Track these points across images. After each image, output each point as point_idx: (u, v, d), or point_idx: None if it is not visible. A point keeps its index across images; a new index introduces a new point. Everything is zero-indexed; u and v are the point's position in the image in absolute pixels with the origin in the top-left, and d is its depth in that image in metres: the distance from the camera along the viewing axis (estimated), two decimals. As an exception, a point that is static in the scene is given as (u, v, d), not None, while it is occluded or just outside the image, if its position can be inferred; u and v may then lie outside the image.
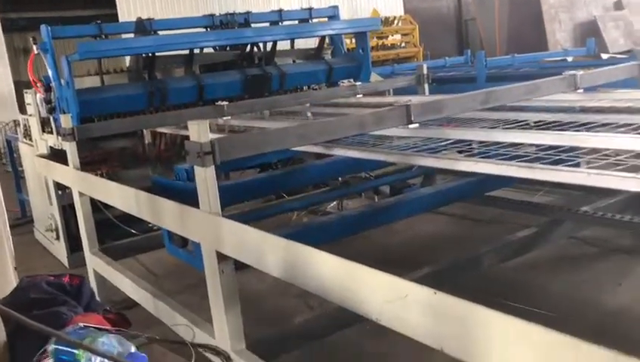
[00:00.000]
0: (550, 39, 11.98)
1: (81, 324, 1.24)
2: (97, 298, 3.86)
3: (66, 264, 4.88)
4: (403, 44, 11.40)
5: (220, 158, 2.13)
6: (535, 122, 2.93)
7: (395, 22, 11.59)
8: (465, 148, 2.60)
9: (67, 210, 4.70)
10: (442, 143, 2.74)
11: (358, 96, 4.91)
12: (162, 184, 3.52)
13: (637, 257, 3.82)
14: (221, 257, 2.13)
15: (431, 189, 3.89)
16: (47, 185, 4.83)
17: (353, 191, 4.32)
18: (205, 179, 2.13)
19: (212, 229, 2.12)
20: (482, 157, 2.32)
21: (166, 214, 2.49)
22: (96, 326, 1.27)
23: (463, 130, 2.79)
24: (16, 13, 21.39)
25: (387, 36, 11.20)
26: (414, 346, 1.36)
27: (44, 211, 5.19)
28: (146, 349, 1.25)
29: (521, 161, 2.08)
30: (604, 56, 6.56)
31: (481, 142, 2.64)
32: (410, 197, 3.73)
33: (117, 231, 4.57)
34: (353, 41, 6.67)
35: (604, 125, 2.58)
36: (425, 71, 5.25)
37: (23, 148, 5.59)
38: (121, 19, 13.28)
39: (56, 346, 1.16)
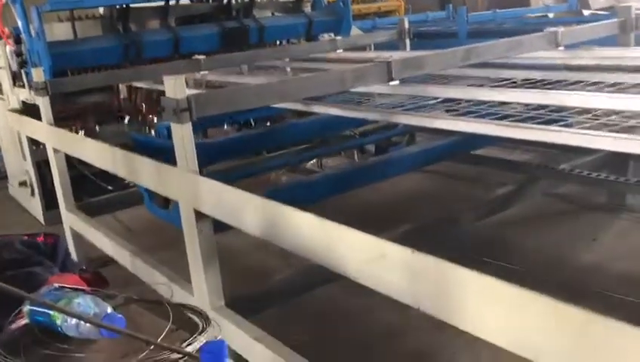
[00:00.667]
0: (532, -5, 11.84)
1: (57, 285, 1.22)
2: (74, 257, 3.86)
3: (42, 221, 4.83)
4: (384, -2, 11.22)
5: (196, 115, 2.09)
6: (522, 80, 2.91)
7: (377, -26, 11.37)
8: (452, 107, 2.57)
9: (42, 166, 4.61)
10: (429, 102, 2.72)
11: (338, 51, 4.85)
12: (142, 141, 3.45)
13: (612, 214, 3.89)
14: (199, 216, 2.11)
15: (417, 148, 3.85)
16: (21, 141, 4.73)
17: (336, 149, 4.28)
18: (182, 136, 2.09)
19: (190, 188, 2.10)
20: (470, 116, 2.30)
21: (143, 172, 2.45)
22: (73, 286, 1.25)
23: (448, 87, 2.76)
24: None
25: (368, -11, 11.01)
26: (395, 301, 1.37)
27: (19, 167, 5.10)
28: (123, 309, 1.24)
29: (511, 121, 2.07)
30: (586, 12, 6.52)
31: (467, 100, 2.61)
32: (396, 156, 3.68)
33: (93, 188, 4.52)
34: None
35: (593, 84, 2.56)
36: (406, 26, 5.19)
37: (-6, 103, 5.45)
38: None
39: (31, 307, 1.14)
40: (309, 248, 1.56)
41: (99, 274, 1.54)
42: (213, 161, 3.37)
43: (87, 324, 1.08)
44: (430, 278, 1.24)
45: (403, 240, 2.93)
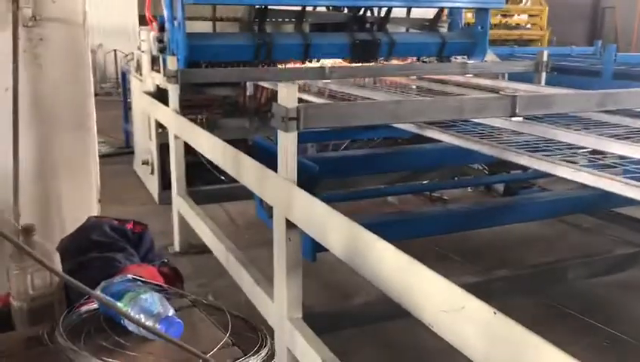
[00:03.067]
0: (697, 40, 10.88)
1: (130, 276, 1.24)
2: (175, 240, 4.02)
3: (157, 199, 5.09)
4: (528, 26, 10.74)
5: (304, 125, 2.08)
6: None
7: (524, 0, 10.94)
8: (594, 159, 2.35)
9: (164, 149, 4.85)
10: (557, 145, 2.51)
11: (467, 75, 4.70)
12: (261, 145, 3.47)
13: None
14: (290, 225, 2.09)
15: (549, 196, 3.55)
16: (149, 121, 5.02)
17: (464, 184, 4.03)
18: (286, 144, 2.08)
19: (285, 196, 2.09)
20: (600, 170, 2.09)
21: (247, 172, 2.49)
22: (146, 280, 1.27)
23: (578, 133, 2.52)
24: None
25: (512, 15, 10.59)
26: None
27: (144, 145, 5.41)
28: (187, 312, 1.24)
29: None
30: None
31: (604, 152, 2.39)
32: (525, 201, 3.40)
33: (209, 176, 4.69)
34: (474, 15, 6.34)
35: None
36: (545, 58, 4.90)
37: (134, 82, 5.83)
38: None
39: (103, 294, 1.17)
40: (387, 282, 1.48)
41: (176, 271, 1.56)
42: (328, 175, 3.30)
43: (146, 323, 1.08)
44: (508, 345, 1.12)
45: (503, 284, 2.76)
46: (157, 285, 1.29)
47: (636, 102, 2.85)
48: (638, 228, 3.77)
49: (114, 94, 11.69)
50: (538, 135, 2.66)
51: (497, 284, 2.86)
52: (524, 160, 2.37)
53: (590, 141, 2.48)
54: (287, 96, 2.05)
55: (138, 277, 1.25)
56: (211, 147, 2.98)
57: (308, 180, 2.60)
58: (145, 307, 1.12)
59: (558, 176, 2.19)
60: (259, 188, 2.38)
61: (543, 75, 4.92)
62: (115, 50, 12.77)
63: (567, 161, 2.21)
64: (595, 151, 2.44)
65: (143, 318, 1.10)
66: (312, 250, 2.52)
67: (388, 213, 3.07)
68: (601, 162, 2.26)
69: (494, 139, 2.65)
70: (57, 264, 1.27)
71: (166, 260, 1.59)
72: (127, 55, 10.46)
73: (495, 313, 1.16)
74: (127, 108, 7.05)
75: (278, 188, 2.14)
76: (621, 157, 2.29)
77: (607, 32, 13.19)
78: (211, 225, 3.36)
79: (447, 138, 2.72)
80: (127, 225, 1.59)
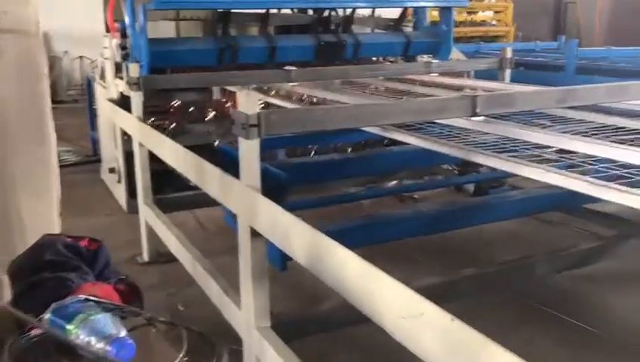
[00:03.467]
0: (656, 32, 11.12)
1: (83, 296, 1.21)
2: (144, 250, 3.96)
3: (125, 208, 5.02)
4: (494, 22, 10.87)
5: (265, 132, 2.06)
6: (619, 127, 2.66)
7: (489, -3, 11.08)
8: (564, 157, 2.32)
9: (130, 156, 4.78)
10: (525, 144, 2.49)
11: (432, 74, 4.72)
12: (226, 152, 3.42)
13: None
14: (254, 233, 2.07)
15: (520, 194, 3.48)
16: (115, 129, 4.95)
17: (433, 185, 3.96)
18: (248, 151, 2.06)
19: (248, 204, 2.07)
20: (566, 169, 2.09)
21: (209, 179, 2.46)
22: (100, 299, 1.24)
23: (538, 131, 2.51)
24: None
25: (478, 12, 10.70)
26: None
27: (111, 153, 5.33)
28: (143, 331, 1.22)
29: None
30: None
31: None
32: (496, 201, 3.37)
33: (178, 183, 4.63)
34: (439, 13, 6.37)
35: None
36: (509, 55, 4.94)
37: (98, 90, 5.74)
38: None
39: (52, 317, 1.14)
40: (349, 289, 1.48)
41: (134, 287, 1.53)
42: (297, 181, 3.25)
43: (96, 345, 1.05)
44: (466, 351, 1.12)
45: (471, 283, 2.76)
46: (111, 304, 1.26)
47: (595, 98, 2.88)
48: (606, 222, 3.83)
49: (80, 101, 11.52)
50: (503, 135, 2.67)
51: (465, 283, 2.88)
52: (490, 161, 2.35)
53: (554, 140, 2.47)
54: (247, 102, 2.03)
55: (92, 297, 1.22)
56: (174, 154, 2.95)
57: (276, 188, 2.58)
58: (96, 329, 1.09)
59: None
60: (222, 197, 2.35)
61: (508, 71, 4.96)
62: (81, 57, 12.59)
63: (535, 160, 2.22)
64: (561, 150, 2.44)
65: (93, 341, 1.07)
66: (281, 258, 2.50)
67: (356, 219, 3.02)
68: (569, 161, 2.25)
69: (461, 139, 2.65)
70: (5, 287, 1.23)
71: (123, 276, 1.56)
72: (92, 61, 10.31)
73: (452, 319, 1.16)
74: (93, 115, 6.94)
75: (241, 197, 2.12)
76: (586, 155, 2.29)
77: (570, 26, 13.42)
78: (178, 234, 3.32)
79: (413, 140, 2.72)
80: (82, 242, 1.55)
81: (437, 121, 2.80)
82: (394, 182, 4.57)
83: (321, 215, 3.61)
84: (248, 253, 2.13)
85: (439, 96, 3.81)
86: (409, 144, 2.78)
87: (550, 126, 2.80)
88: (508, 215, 3.36)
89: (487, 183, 4.30)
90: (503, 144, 2.51)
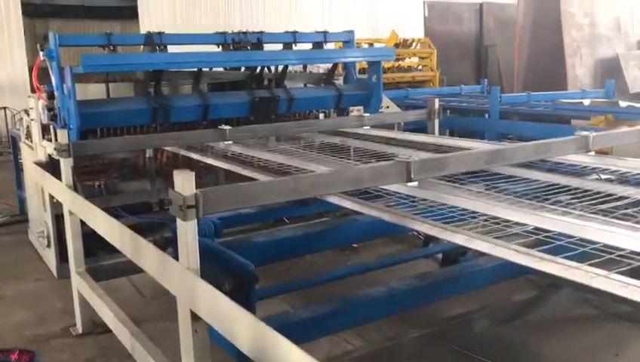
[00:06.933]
0: (570, 73, 11.83)
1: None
2: (78, 321, 3.79)
3: (55, 273, 4.81)
4: (420, 68, 11.28)
5: (203, 212, 2.04)
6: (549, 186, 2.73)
7: (414, 44, 11.47)
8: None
9: (60, 220, 4.61)
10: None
11: (365, 127, 4.83)
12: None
13: (637, 324, 3.69)
14: (195, 317, 2.03)
15: (491, 261, 3.20)
16: (43, 192, 4.77)
17: (398, 261, 3.68)
18: (186, 233, 2.03)
19: (187, 287, 2.03)
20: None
21: (146, 258, 2.40)
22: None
23: (469, 198, 2.52)
24: (41, -1, 21.56)
25: (404, 58, 11.09)
26: None
27: (39, 215, 5.12)
28: None
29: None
30: (623, 104, 6.41)
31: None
32: (468, 271, 3.17)
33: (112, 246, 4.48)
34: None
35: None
36: (436, 106, 5.14)
37: (24, 149, 5.53)
38: (142, 25, 13.19)
39: None
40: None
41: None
42: (263, 263, 2.97)
43: None
44: None
45: (416, 344, 2.73)
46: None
47: (521, 157, 3.03)
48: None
49: (5, 154, 11.06)
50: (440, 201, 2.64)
51: (410, 345, 2.90)
52: (435, 231, 2.22)
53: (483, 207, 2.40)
54: (184, 183, 2.01)
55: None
56: (108, 228, 2.86)
57: (244, 280, 2.45)
58: None
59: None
60: (160, 276, 2.30)
61: (436, 122, 5.15)
62: (5, 108, 12.14)
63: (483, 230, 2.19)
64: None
65: None
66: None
67: (323, 304, 2.77)
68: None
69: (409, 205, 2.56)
70: None
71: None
72: (15, 114, 9.97)
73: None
74: (19, 172, 6.66)
75: (180, 279, 2.08)
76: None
77: (492, 67, 14.09)
78: (113, 307, 3.20)
79: (346, 203, 2.69)
80: (12, 355, 1.47)
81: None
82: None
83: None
84: (190, 336, 2.08)
85: (373, 150, 3.92)
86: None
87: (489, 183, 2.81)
88: (480, 284, 3.24)
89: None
90: (439, 209, 2.50)
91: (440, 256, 3.87)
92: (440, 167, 2.69)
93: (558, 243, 1.95)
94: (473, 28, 14.39)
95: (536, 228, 2.10)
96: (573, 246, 1.91)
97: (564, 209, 2.29)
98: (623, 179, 2.90)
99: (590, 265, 1.71)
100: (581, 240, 1.94)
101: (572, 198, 2.50)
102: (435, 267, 3.89)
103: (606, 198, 2.44)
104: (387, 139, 4.34)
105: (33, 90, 4.77)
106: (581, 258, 1.79)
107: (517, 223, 2.17)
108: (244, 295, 2.41)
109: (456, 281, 3.08)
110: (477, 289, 3.27)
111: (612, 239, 1.91)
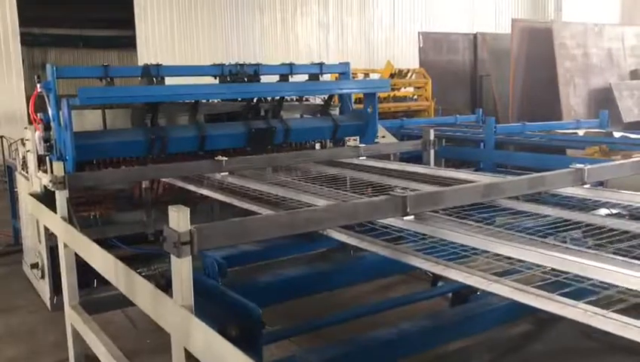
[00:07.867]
0: (564, 103, 11.92)
1: None
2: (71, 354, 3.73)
3: (48, 305, 4.76)
4: (415, 97, 11.36)
5: (198, 248, 2.03)
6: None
7: (409, 74, 11.58)
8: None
9: (55, 251, 4.58)
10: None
11: (361, 158, 4.84)
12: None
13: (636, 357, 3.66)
14: (189, 356, 2.00)
15: (502, 300, 3.00)
16: (38, 224, 4.74)
17: (405, 301, 3.58)
18: (180, 270, 2.01)
19: (182, 324, 2.00)
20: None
21: (140, 293, 2.37)
22: None
23: (466, 233, 2.48)
24: (40, 29, 21.80)
25: (400, 88, 11.17)
26: None
27: (33, 246, 5.08)
28: None
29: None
30: (617, 134, 6.46)
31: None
32: (479, 309, 3.06)
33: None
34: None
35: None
36: (431, 136, 5.17)
37: (20, 180, 5.52)
38: (139, 55, 13.29)
39: None
40: None
41: None
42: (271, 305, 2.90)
43: None
44: None
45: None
46: None
47: (516, 191, 3.04)
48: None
49: (0, 182, 11.02)
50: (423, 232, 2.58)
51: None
52: (438, 268, 2.20)
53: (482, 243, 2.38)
54: (179, 219, 2.00)
55: None
56: (102, 262, 2.83)
57: (250, 325, 2.40)
58: None
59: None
60: (154, 313, 2.27)
61: (432, 152, 5.17)
62: (2, 137, 12.13)
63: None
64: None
65: None
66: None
67: (329, 347, 2.71)
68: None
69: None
70: None
71: None
72: (11, 144, 9.96)
73: None
74: (14, 202, 6.64)
75: (174, 316, 2.05)
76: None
77: (486, 97, 14.20)
78: (106, 341, 3.15)
79: (341, 237, 2.67)
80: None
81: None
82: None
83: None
84: (184, 375, 2.05)
85: (369, 180, 3.93)
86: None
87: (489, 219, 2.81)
88: (492, 324, 3.14)
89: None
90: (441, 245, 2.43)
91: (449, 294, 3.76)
92: (435, 201, 2.70)
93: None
94: (468, 58, 14.54)
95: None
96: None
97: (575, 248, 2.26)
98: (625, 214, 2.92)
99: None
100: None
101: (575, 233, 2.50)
102: (445, 305, 3.81)
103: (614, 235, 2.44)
104: (383, 170, 4.35)
105: (30, 121, 4.76)
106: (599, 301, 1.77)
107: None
108: (250, 340, 2.38)
109: (469, 321, 2.97)
110: (490, 328, 3.16)
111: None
